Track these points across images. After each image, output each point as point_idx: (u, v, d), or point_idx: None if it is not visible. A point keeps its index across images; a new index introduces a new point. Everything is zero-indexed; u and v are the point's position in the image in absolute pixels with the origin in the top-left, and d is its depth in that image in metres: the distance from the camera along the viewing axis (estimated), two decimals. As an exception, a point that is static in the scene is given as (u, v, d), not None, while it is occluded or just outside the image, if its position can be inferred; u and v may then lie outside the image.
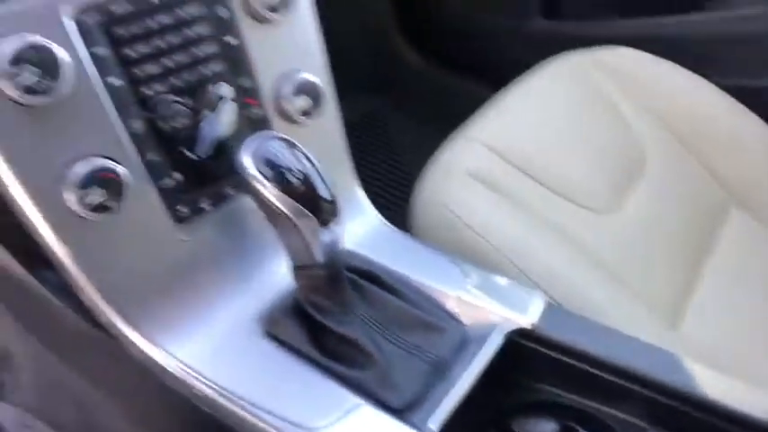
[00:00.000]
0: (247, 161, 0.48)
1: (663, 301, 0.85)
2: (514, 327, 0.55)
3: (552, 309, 0.57)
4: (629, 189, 0.96)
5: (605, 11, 1.38)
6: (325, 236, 0.50)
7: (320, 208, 0.49)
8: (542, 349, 0.55)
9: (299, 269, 0.53)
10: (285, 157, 0.49)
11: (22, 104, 0.44)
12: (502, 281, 0.60)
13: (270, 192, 0.48)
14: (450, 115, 1.06)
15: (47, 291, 0.65)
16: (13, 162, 0.45)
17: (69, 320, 0.66)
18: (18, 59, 0.43)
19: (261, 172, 0.48)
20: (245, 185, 0.49)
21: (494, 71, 1.61)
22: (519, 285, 0.60)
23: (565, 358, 0.54)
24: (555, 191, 0.87)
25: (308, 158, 0.50)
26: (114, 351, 0.62)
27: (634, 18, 1.33)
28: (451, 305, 0.58)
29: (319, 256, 0.51)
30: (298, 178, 0.48)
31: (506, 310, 0.56)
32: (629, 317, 0.74)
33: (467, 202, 0.78)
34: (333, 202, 0.50)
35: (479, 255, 0.72)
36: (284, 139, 0.50)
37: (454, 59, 1.72)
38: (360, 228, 0.66)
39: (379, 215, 0.68)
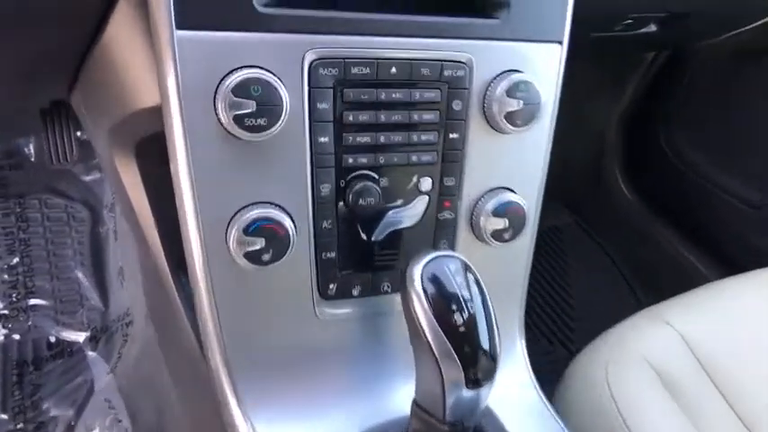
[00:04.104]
0: (416, 272, 0.42)
1: None
2: None
3: None
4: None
5: None
6: (467, 397, 0.42)
7: (475, 362, 0.41)
8: None
9: (419, 408, 0.45)
10: (455, 282, 0.42)
11: (230, 134, 0.42)
12: None
13: (425, 315, 0.41)
14: (638, 259, 0.94)
15: (180, 297, 0.64)
16: (197, 187, 0.43)
17: (186, 333, 0.65)
18: (242, 91, 0.41)
19: (425, 289, 0.41)
20: (402, 293, 0.43)
21: (707, 236, 1.43)
22: None
23: None
24: (737, 411, 0.70)
25: (479, 287, 0.43)
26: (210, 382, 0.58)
27: None
28: None
29: (449, 415, 0.43)
30: (462, 315, 0.41)
31: None
32: None
33: (631, 392, 0.66)
34: (493, 361, 0.42)
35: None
36: (461, 261, 0.43)
37: (664, 208, 1.55)
38: (507, 383, 0.56)
39: (533, 377, 0.58)
